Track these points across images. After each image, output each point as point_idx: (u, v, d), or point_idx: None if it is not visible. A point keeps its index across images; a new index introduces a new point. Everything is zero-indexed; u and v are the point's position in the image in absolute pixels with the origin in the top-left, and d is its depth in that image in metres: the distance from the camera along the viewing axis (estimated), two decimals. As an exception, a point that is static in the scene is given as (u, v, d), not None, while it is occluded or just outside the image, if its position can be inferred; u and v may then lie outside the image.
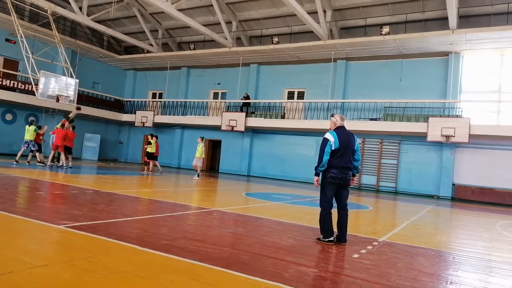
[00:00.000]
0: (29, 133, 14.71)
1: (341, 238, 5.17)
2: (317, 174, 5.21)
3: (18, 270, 3.01)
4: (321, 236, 5.19)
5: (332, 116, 5.51)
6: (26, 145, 14.78)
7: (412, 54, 19.07)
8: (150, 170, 16.88)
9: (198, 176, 15.78)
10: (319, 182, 5.25)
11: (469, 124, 16.37)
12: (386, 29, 17.64)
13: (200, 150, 15.72)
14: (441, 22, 17.71)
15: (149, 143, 17.12)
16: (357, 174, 5.46)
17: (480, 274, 4.46)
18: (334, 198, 5.31)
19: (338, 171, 5.11)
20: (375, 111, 19.50)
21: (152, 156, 17.01)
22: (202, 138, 16.16)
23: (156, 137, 17.61)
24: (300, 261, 4.11)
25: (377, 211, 10.66)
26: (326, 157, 5.09)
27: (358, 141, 5.49)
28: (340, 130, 5.29)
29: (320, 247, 4.92)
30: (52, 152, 15.10)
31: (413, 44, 17.90)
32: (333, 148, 5.12)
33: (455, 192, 17.95)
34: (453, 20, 15.83)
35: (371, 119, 19.31)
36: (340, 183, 5.18)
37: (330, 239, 5.09)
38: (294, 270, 3.71)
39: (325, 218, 5.16)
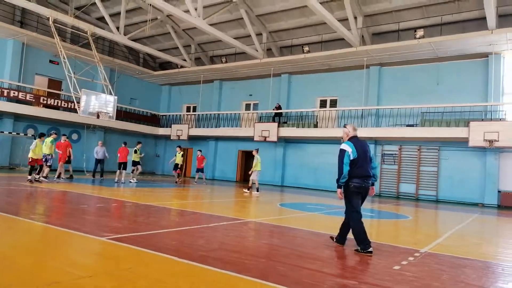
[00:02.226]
0: (47, 146, 13.25)
1: (341, 240, 5.42)
2: (339, 186, 5.22)
3: (64, 280, 3.15)
4: (359, 248, 5.09)
5: (345, 126, 5.55)
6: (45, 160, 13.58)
7: (449, 56, 18.42)
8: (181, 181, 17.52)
9: (257, 190, 14.74)
10: (343, 194, 5.25)
11: (514, 127, 15.51)
12: (420, 33, 17.19)
13: (256, 163, 14.75)
14: (479, 23, 17.04)
15: (182, 155, 18.04)
16: (375, 182, 5.46)
17: (534, 287, 4.18)
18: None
19: (360, 181, 5.13)
20: (411, 117, 18.92)
21: (177, 167, 18.24)
22: (257, 150, 15.23)
23: (180, 147, 18.80)
24: (338, 272, 4.03)
25: (418, 220, 10.27)
26: (346, 168, 5.10)
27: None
28: (354, 140, 5.31)
29: (358, 258, 4.80)
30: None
31: (449, 46, 17.31)
32: (351, 158, 5.12)
33: (501, 199, 16.98)
34: (491, 19, 15.19)
35: (408, 125, 18.75)
36: (363, 192, 5.21)
37: (369, 250, 4.98)
38: (332, 282, 3.64)
39: (358, 229, 5.11)
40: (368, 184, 5.19)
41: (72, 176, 15.71)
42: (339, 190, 5.24)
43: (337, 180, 5.19)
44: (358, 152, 5.16)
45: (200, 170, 19.09)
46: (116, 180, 15.63)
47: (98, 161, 17.02)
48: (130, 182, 16.14)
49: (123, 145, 16.71)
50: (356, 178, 5.11)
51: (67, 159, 15.44)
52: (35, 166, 13.06)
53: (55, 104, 21.38)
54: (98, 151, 17.00)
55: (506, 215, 13.23)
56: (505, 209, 16.20)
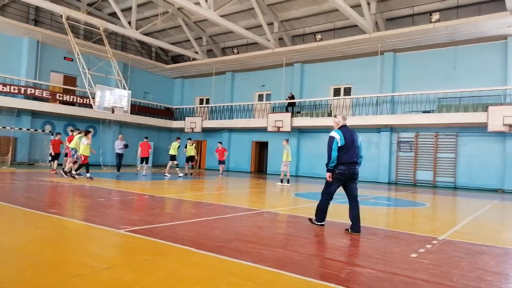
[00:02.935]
0: (76, 142, 13.55)
1: (355, 228, 5.48)
2: (329, 170, 5.64)
3: (86, 273, 3.23)
4: (314, 219, 5.84)
5: (335, 116, 5.94)
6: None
7: (466, 40, 17.95)
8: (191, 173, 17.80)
9: (281, 182, 14.59)
10: (331, 177, 5.67)
11: (535, 110, 15.09)
12: (436, 16, 16.77)
13: (285, 154, 14.56)
14: (497, 4, 16.51)
15: (195, 147, 18.20)
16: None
17: (556, 273, 4.09)
18: (345, 192, 5.78)
19: (345, 167, 5.54)
20: (428, 103, 18.58)
21: (189, 159, 18.29)
22: (287, 140, 15.06)
23: (190, 139, 18.97)
24: (355, 261, 4.02)
25: (435, 208, 10.14)
26: (334, 154, 5.53)
27: (361, 137, 5.91)
28: (344, 129, 5.73)
29: (375, 246, 4.78)
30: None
31: (466, 29, 16.85)
32: (339, 145, 5.54)
33: (523, 185, 16.62)
34: (510, 0, 14.70)
35: (424, 112, 18.43)
36: (348, 178, 5.60)
37: (322, 223, 5.78)
38: (349, 271, 3.64)
39: (323, 208, 5.77)
40: (353, 170, 5.57)
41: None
42: (328, 174, 5.66)
43: (326, 165, 5.63)
44: (346, 140, 5.57)
45: (222, 162, 19.21)
46: (140, 173, 16.22)
47: (119, 155, 17.23)
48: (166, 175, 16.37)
49: (145, 140, 16.95)
50: (342, 165, 5.55)
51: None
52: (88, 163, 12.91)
53: (71, 100, 21.73)
54: (118, 144, 17.18)
55: (527, 201, 12.94)
56: (526, 194, 15.85)
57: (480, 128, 17.02)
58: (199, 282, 3.13)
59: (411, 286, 3.29)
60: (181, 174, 16.79)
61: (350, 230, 5.52)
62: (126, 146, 16.99)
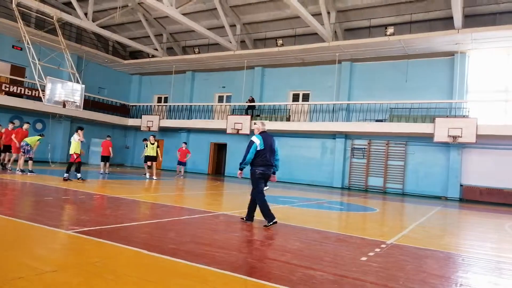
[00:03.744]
0: (32, 141, 13.14)
1: (250, 219, 6.42)
2: (240, 169, 6.41)
3: (28, 275, 3.04)
4: (266, 222, 6.11)
5: (255, 123, 6.66)
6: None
7: (418, 54, 18.98)
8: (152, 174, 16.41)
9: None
10: (242, 176, 6.48)
11: (476, 124, 16.23)
12: (391, 30, 17.58)
13: None
14: (446, 22, 17.63)
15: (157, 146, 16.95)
16: (276, 171, 6.51)
17: (490, 276, 4.42)
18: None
19: (265, 168, 6.24)
20: (380, 112, 19.41)
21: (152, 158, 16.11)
22: None
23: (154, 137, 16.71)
24: (307, 264, 4.09)
25: (384, 213, 10.60)
26: (250, 156, 6.17)
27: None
28: (264, 134, 6.40)
29: (326, 250, 4.90)
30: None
31: (418, 44, 17.82)
32: (258, 149, 6.18)
33: (463, 193, 17.79)
34: (458, 19, 15.75)
35: (377, 121, 19.23)
36: (266, 177, 6.31)
37: (274, 221, 6.09)
38: (301, 274, 3.70)
39: (264, 207, 6.17)
40: (270, 172, 6.31)
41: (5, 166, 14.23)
42: (239, 172, 6.41)
43: (240, 164, 6.27)
44: (265, 144, 6.20)
45: (182, 163, 18.43)
46: (101, 172, 15.79)
47: None
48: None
49: (107, 138, 16.28)
50: (261, 166, 6.20)
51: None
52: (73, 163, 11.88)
53: (18, 91, 20.43)
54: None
55: (467, 208, 13.87)
56: (466, 202, 16.98)
57: (427, 138, 18.03)
58: (150, 285, 3.05)
59: (360, 288, 3.40)
60: (147, 174, 15.93)
61: (245, 220, 6.40)
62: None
